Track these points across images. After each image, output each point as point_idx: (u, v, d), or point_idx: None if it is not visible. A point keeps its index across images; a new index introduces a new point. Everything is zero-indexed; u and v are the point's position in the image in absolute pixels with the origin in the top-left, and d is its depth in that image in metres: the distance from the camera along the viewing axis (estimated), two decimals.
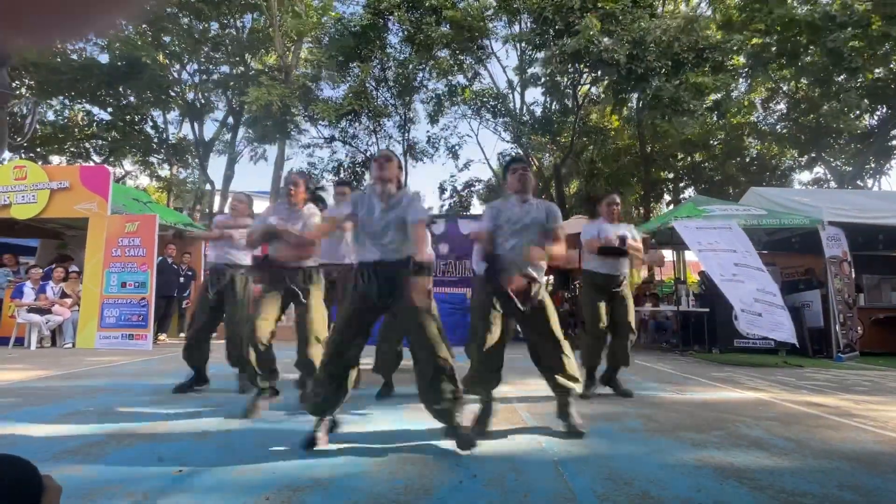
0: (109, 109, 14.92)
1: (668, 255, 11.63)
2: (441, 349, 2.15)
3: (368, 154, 15.51)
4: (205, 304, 3.50)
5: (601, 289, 3.59)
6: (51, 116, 14.95)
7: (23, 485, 0.69)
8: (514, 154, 17.00)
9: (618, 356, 3.62)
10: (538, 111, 15.02)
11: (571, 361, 2.51)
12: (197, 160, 16.48)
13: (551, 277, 11.74)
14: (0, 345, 6.69)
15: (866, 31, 10.70)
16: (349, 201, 2.42)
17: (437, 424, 2.23)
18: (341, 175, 15.46)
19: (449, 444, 2.19)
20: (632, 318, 3.62)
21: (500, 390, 3.73)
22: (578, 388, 2.58)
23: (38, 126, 14.24)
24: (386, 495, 1.63)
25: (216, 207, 15.47)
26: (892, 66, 11.73)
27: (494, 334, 2.46)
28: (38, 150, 14.30)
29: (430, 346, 2.15)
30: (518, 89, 15.30)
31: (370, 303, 2.22)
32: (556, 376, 2.50)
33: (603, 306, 3.55)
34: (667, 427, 2.63)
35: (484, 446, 2.13)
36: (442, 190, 16.91)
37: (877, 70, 11.91)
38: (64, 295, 7.04)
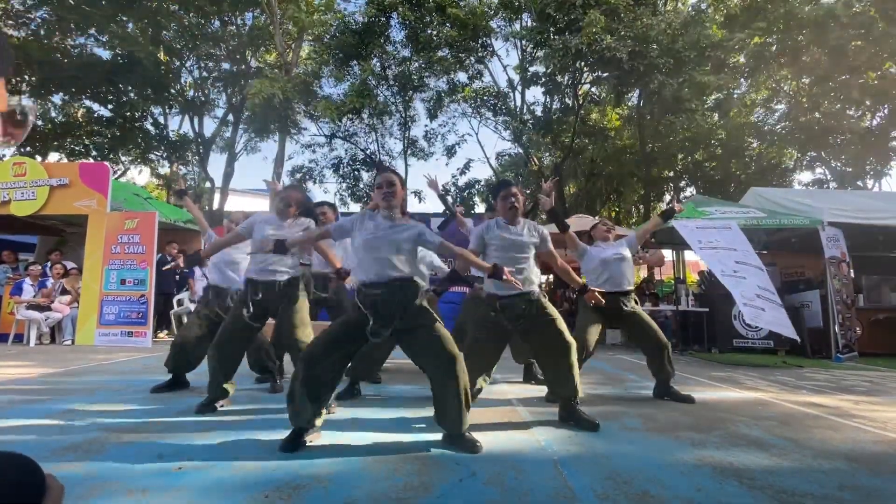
0: (110, 106, 14.88)
1: (667, 254, 11.63)
2: (455, 347, 2.19)
3: (368, 151, 15.48)
4: (201, 323, 3.37)
5: (602, 311, 3.20)
6: (52, 113, 14.91)
7: (25, 484, 0.68)
8: (507, 157, 16.99)
9: (660, 371, 3.37)
10: (538, 110, 14.99)
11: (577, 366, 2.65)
12: (197, 157, 16.45)
13: (551, 276, 11.75)
14: None
15: (870, 31, 10.67)
16: (335, 221, 2.44)
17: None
18: (341, 171, 15.43)
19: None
20: (655, 332, 3.35)
21: (501, 389, 3.75)
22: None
23: (38, 123, 14.20)
24: (386, 493, 1.63)
25: (216, 205, 15.46)
26: (893, 70, 11.69)
27: (485, 345, 2.68)
28: (38, 146, 14.26)
29: (450, 354, 2.15)
30: (518, 88, 15.27)
31: (362, 326, 2.17)
32: (575, 381, 2.56)
33: (596, 331, 3.29)
34: (666, 427, 2.64)
35: (484, 445, 2.13)
36: (445, 191, 16.88)
37: (877, 72, 11.87)
38: (64, 291, 7.04)
